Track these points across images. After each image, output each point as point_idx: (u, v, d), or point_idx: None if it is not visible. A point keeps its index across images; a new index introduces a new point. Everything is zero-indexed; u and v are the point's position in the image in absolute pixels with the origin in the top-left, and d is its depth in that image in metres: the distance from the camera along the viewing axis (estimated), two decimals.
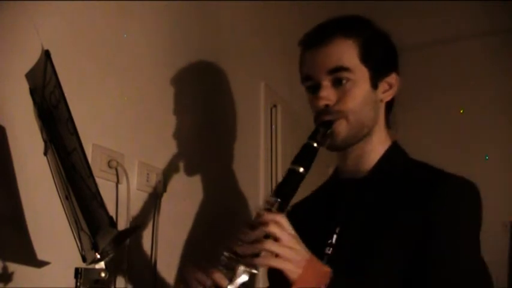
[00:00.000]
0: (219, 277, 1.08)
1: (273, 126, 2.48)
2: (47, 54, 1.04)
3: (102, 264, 1.04)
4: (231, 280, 1.06)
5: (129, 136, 1.67)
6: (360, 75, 1.22)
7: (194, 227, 1.88)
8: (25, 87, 1.17)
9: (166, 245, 1.73)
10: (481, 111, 3.32)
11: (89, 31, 1.57)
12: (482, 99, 3.32)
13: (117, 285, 1.54)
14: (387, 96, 1.27)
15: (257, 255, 1.05)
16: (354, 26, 1.25)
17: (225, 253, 1.10)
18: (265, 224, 1.06)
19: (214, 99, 2.09)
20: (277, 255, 1.04)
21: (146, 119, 1.74)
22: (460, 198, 1.16)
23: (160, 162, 1.77)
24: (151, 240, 1.69)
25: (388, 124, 1.32)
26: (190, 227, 1.87)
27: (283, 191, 1.14)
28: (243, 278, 1.06)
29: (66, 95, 1.02)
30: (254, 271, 1.06)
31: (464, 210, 1.16)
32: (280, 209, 1.11)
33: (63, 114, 1.01)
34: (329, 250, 1.20)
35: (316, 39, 1.25)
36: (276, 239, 1.05)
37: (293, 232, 1.08)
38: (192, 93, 1.96)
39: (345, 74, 1.21)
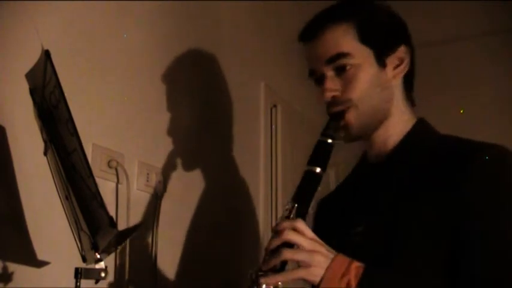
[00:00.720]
0: None
1: (273, 126, 2.48)
2: (47, 54, 1.04)
3: (102, 264, 1.04)
4: None
5: (129, 136, 1.67)
6: (363, 57, 1.16)
7: (194, 227, 1.88)
8: (25, 87, 1.17)
9: (166, 245, 1.73)
10: (481, 111, 3.31)
11: (88, 31, 1.57)
12: (482, 99, 3.32)
13: (117, 285, 1.54)
14: (399, 72, 1.19)
15: (281, 267, 1.02)
16: (345, 10, 1.19)
17: (251, 271, 1.07)
18: (281, 232, 1.03)
19: (214, 99, 2.09)
20: (298, 264, 1.01)
21: (146, 119, 1.74)
22: (497, 170, 1.05)
23: (160, 162, 1.77)
24: (151, 240, 1.69)
25: (411, 101, 1.24)
26: (190, 227, 1.87)
27: (300, 195, 1.09)
28: None
29: (66, 95, 1.02)
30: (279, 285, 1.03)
31: (502, 184, 1.05)
32: (298, 214, 1.07)
33: (63, 114, 1.01)
34: (357, 239, 1.14)
35: (311, 31, 1.20)
36: (295, 246, 1.02)
37: (312, 235, 1.04)
38: (192, 93, 1.96)
39: (346, 60, 1.15)
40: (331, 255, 1.02)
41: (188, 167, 1.88)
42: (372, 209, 1.16)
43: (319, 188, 1.11)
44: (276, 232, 1.04)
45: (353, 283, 0.99)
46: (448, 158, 1.09)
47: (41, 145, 1.15)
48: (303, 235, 1.03)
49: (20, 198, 1.30)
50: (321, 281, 1.00)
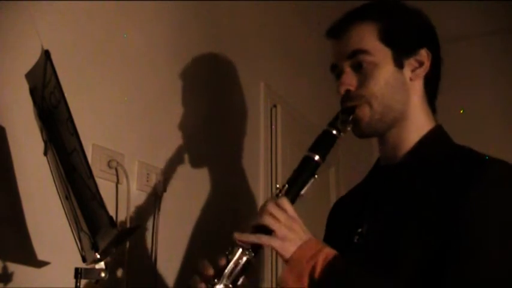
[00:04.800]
0: (220, 260, 1.09)
1: (273, 126, 2.48)
2: (47, 54, 1.04)
3: (102, 264, 1.04)
4: (229, 261, 1.07)
5: (129, 136, 1.67)
6: (381, 56, 1.16)
7: (194, 227, 1.88)
8: (25, 87, 1.17)
9: (166, 245, 1.73)
10: (481, 111, 3.32)
11: (88, 31, 1.57)
12: (482, 99, 3.32)
13: (117, 285, 1.54)
14: (417, 75, 1.18)
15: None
16: (372, 9, 1.22)
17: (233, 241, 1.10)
18: (265, 207, 1.07)
19: (214, 99, 2.09)
20: (273, 234, 1.05)
21: (146, 119, 1.74)
22: (498, 185, 1.04)
23: (160, 162, 1.77)
24: (151, 240, 1.69)
25: (431, 107, 1.23)
26: (190, 227, 1.87)
27: (294, 178, 1.12)
28: (242, 261, 1.06)
29: (66, 95, 1.02)
30: (252, 253, 1.06)
31: (503, 200, 1.03)
32: (287, 194, 1.10)
33: (63, 114, 1.01)
34: (357, 239, 1.15)
35: (337, 29, 1.22)
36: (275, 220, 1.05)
37: (294, 214, 1.07)
38: (192, 93, 1.96)
39: (364, 57, 1.16)
40: (305, 236, 1.06)
41: (188, 166, 1.88)
42: (376, 211, 1.16)
43: (317, 177, 1.12)
44: (261, 208, 1.08)
45: (319, 267, 1.01)
46: (456, 170, 1.09)
47: (41, 145, 1.15)
48: (283, 211, 1.06)
49: (20, 198, 1.30)
50: (289, 258, 1.04)
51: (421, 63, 1.19)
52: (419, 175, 1.13)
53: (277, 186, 1.14)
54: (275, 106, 2.50)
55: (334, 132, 1.13)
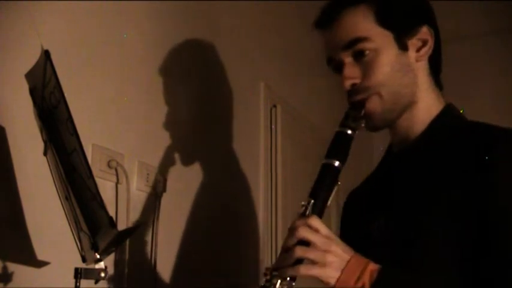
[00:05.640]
0: None
1: (273, 126, 2.48)
2: (47, 54, 1.04)
3: (102, 264, 1.04)
4: None
5: (129, 136, 1.67)
6: (382, 40, 1.09)
7: (194, 227, 1.88)
8: (25, 87, 1.17)
9: (166, 245, 1.73)
10: (481, 111, 3.31)
11: (88, 31, 1.57)
12: (482, 99, 3.32)
13: (117, 285, 1.54)
14: (423, 55, 1.12)
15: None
16: None
17: (265, 270, 1.03)
18: (296, 230, 0.99)
19: (214, 99, 2.09)
20: (312, 262, 0.97)
21: (146, 119, 1.74)
22: None
23: (160, 162, 1.77)
24: (151, 240, 1.69)
25: (438, 85, 1.18)
26: (190, 227, 1.87)
27: (317, 191, 1.03)
28: None
29: (66, 95, 1.02)
30: (292, 282, 0.99)
31: None
32: (314, 211, 1.02)
33: (63, 114, 1.01)
34: (376, 232, 1.09)
35: (327, 17, 1.13)
36: (310, 244, 0.98)
37: (327, 232, 0.99)
38: (192, 93, 1.96)
39: (364, 45, 1.08)
40: (347, 256, 0.98)
41: (188, 167, 1.88)
42: (392, 201, 1.11)
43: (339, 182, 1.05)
44: (291, 230, 1.00)
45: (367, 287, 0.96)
46: (474, 144, 1.04)
47: (41, 145, 1.15)
48: (317, 232, 0.98)
49: (20, 198, 1.30)
50: (335, 285, 0.97)
51: (424, 42, 1.12)
52: (436, 156, 1.08)
53: (302, 203, 1.03)
54: (275, 106, 2.50)
55: (349, 132, 1.06)
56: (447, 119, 1.14)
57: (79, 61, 1.52)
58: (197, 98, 1.99)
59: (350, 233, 1.10)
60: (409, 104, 1.13)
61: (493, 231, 0.97)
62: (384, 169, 1.22)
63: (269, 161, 2.43)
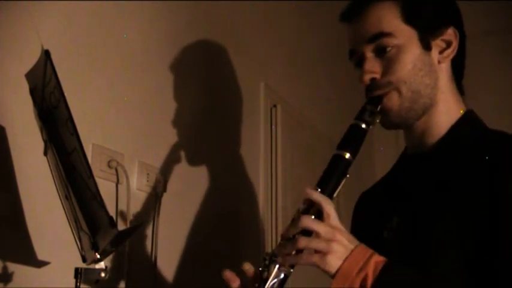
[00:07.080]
0: (255, 276, 1.02)
1: (273, 126, 2.48)
2: (47, 54, 1.04)
3: (102, 264, 1.04)
4: (266, 280, 0.99)
5: (129, 136, 1.67)
6: (406, 38, 1.08)
7: (194, 227, 1.88)
8: (25, 87, 1.17)
9: (166, 245, 1.73)
10: (481, 111, 3.31)
11: (88, 31, 1.57)
12: (483, 99, 3.32)
13: (117, 285, 1.54)
14: (446, 57, 1.11)
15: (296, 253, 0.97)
16: None
17: (265, 255, 1.03)
18: (300, 218, 0.97)
19: (214, 99, 2.09)
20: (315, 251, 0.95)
21: (146, 119, 1.74)
22: None
23: (161, 162, 1.77)
24: (151, 240, 1.69)
25: (459, 89, 1.17)
26: (190, 227, 1.87)
27: (325, 180, 1.02)
28: (279, 277, 0.99)
29: (66, 95, 1.02)
30: (290, 269, 0.99)
31: None
32: None
33: (63, 114, 1.01)
34: (388, 234, 1.08)
35: (353, 10, 1.13)
36: (312, 234, 0.96)
37: (335, 222, 0.96)
38: (192, 93, 1.96)
39: (387, 40, 1.07)
40: (351, 246, 0.96)
41: (188, 166, 1.88)
42: (405, 203, 1.09)
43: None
44: (294, 219, 0.99)
45: (369, 280, 0.93)
46: (492, 155, 1.02)
47: (41, 145, 1.15)
48: (320, 222, 0.96)
49: (20, 198, 1.30)
50: (336, 272, 0.94)
51: (448, 44, 1.12)
52: (453, 163, 1.06)
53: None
54: (275, 106, 2.50)
55: (363, 126, 1.05)
56: (467, 126, 1.12)
57: (79, 61, 1.52)
58: (197, 97, 1.99)
59: (361, 234, 1.09)
60: (428, 107, 1.11)
61: (503, 239, 0.95)
62: (398, 172, 1.21)
63: (269, 160, 2.43)
